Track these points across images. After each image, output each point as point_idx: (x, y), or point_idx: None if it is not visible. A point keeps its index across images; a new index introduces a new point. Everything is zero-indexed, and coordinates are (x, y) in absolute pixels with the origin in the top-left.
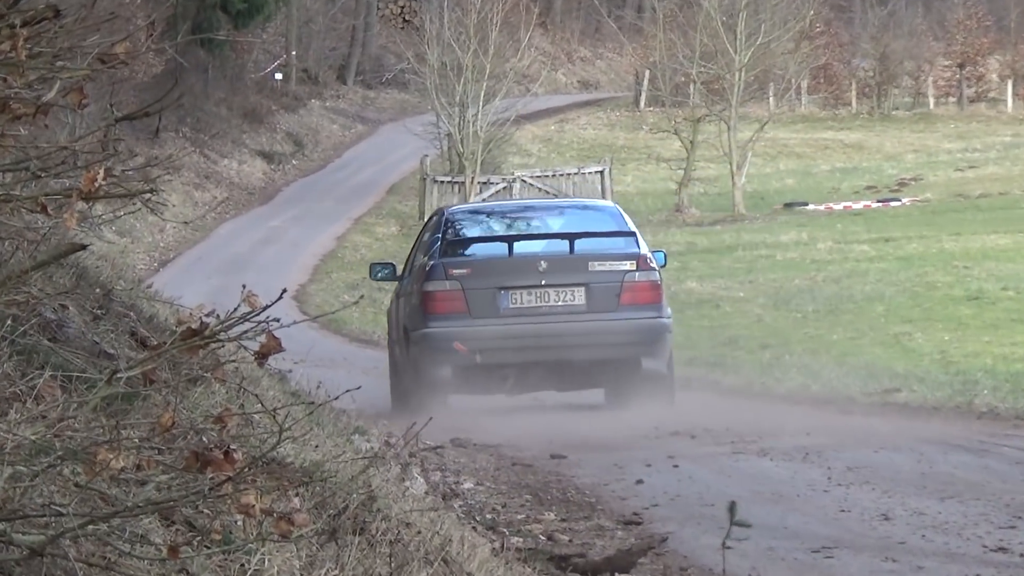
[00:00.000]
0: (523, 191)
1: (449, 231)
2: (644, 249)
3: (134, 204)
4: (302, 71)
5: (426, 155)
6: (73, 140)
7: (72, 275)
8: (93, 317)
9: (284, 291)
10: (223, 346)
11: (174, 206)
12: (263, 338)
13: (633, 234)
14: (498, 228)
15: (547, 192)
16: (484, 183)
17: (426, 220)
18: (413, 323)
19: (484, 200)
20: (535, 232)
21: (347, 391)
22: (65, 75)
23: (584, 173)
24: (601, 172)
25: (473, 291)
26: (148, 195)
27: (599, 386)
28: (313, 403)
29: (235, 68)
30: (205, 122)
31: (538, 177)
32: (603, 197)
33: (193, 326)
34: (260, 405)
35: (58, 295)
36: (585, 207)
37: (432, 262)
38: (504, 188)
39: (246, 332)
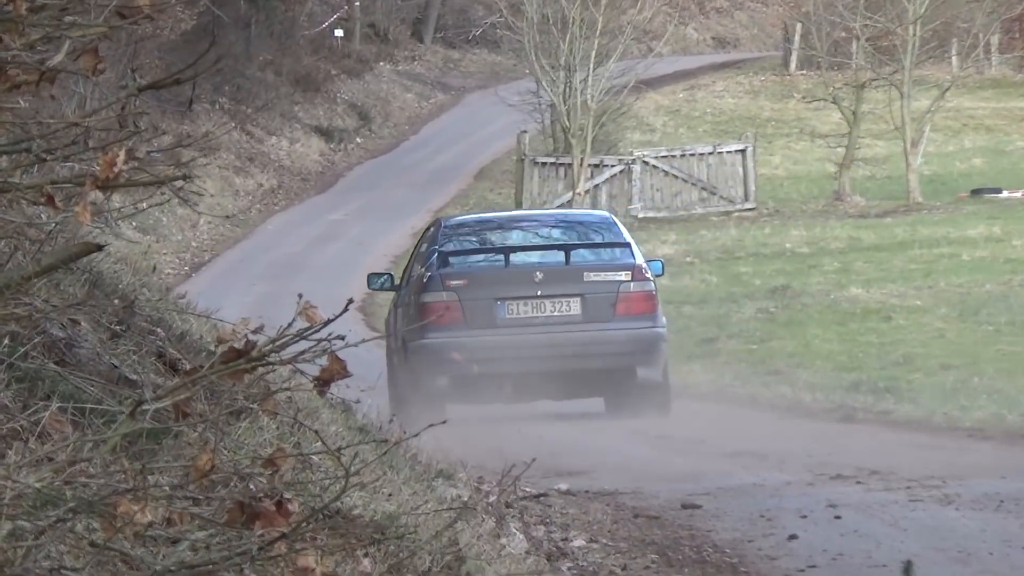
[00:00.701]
0: (645, 175)
1: (446, 242)
2: (639, 259)
3: (162, 194)
4: (368, 27)
5: (524, 131)
6: (85, 114)
7: (84, 282)
8: (111, 335)
9: (350, 302)
10: (274, 370)
11: (211, 196)
12: (324, 360)
13: (628, 245)
14: (495, 239)
15: (675, 176)
16: (596, 166)
17: (423, 230)
18: (411, 334)
19: (596, 186)
20: (531, 243)
21: (429, 426)
22: (75, 33)
23: (721, 153)
24: (742, 151)
25: (470, 302)
26: (179, 183)
27: (595, 395)
28: (386, 441)
29: (284, 23)
30: (248, 91)
31: (664, 158)
32: (745, 181)
33: (236, 346)
34: (320, 444)
35: (67, 307)
36: (581, 218)
37: (429, 273)
38: (622, 172)
39: (303, 353)
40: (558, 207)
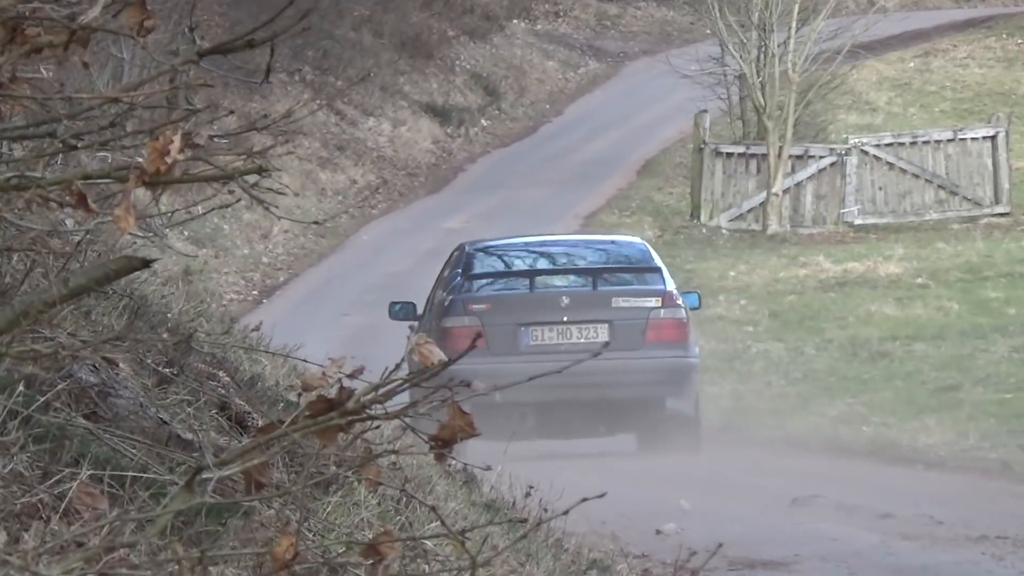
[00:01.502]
0: (864, 169)
1: (469, 266)
2: (670, 285)
3: (230, 192)
4: None
5: (703, 111)
6: (127, 88)
7: (124, 310)
8: (158, 380)
9: (478, 336)
10: (376, 427)
11: (296, 194)
12: (444, 414)
13: (658, 270)
14: (520, 263)
15: (903, 171)
16: (799, 157)
17: (448, 256)
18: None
19: (799, 184)
20: (557, 267)
21: (582, 500)
22: None
23: (964, 140)
24: (992, 138)
25: (493, 327)
26: (253, 178)
27: (623, 430)
28: (523, 521)
29: None
30: (337, 57)
31: (889, 147)
32: (995, 177)
33: (326, 394)
34: (438, 524)
35: (101, 343)
36: (610, 241)
37: (451, 297)
38: (833, 164)
39: (415, 404)
40: (748, 211)
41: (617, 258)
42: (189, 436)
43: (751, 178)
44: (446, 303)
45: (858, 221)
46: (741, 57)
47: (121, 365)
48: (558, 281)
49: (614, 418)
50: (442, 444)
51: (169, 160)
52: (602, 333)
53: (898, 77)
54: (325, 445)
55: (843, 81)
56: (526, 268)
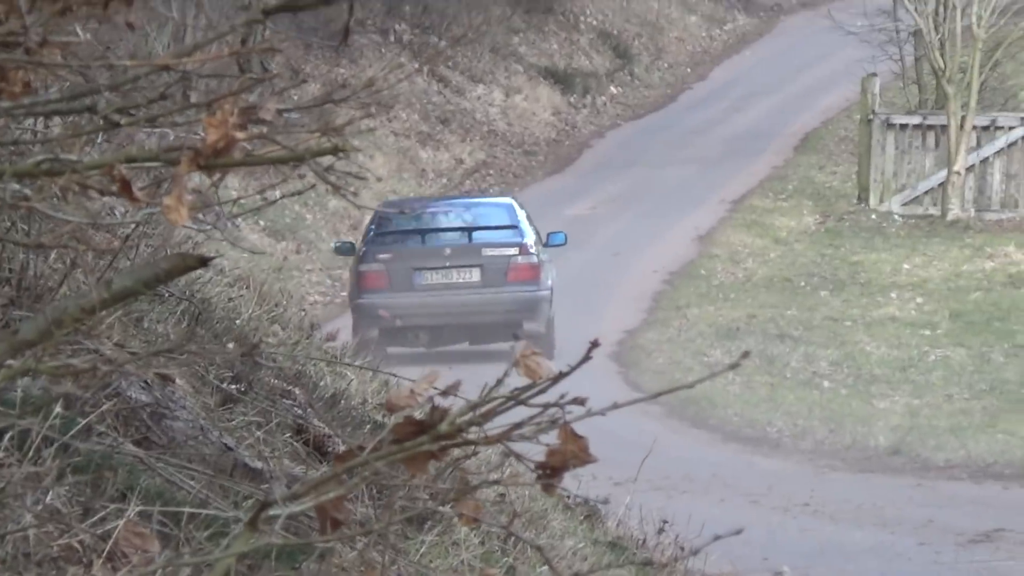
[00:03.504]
0: None
1: (380, 223)
2: (526, 238)
3: (301, 177)
4: None
5: (873, 74)
6: (182, 52)
7: (181, 317)
8: (222, 399)
9: (595, 345)
10: (476, 454)
11: (379, 180)
12: (555, 437)
13: (517, 226)
14: (416, 222)
15: None
16: (985, 128)
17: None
18: (352, 295)
19: (985, 161)
20: (443, 226)
21: (716, 538)
22: None
23: None
24: None
25: (394, 271)
26: (331, 159)
27: (492, 342)
28: (650, 563)
29: None
30: (439, 13)
31: None
32: None
33: (417, 415)
34: (549, 569)
35: (154, 356)
36: (486, 204)
37: (364, 248)
38: None
39: (521, 426)
40: (925, 193)
41: (488, 216)
42: (258, 465)
43: (928, 154)
44: (360, 253)
45: None
46: (916, 10)
47: (178, 381)
48: (443, 237)
49: (484, 335)
50: (551, 472)
51: (231, 137)
52: (475, 275)
53: None
54: (415, 475)
55: None
56: (420, 226)
